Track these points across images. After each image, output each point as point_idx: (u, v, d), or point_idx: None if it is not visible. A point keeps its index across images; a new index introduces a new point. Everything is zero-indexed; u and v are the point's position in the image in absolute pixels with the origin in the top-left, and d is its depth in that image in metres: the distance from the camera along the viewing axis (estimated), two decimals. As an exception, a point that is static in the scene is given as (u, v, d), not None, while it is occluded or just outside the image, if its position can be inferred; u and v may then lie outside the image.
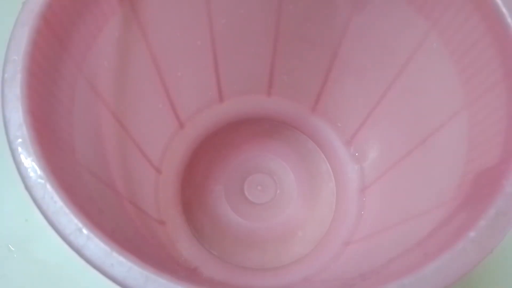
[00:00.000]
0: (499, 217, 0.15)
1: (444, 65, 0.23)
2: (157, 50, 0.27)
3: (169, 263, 0.22)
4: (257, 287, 0.29)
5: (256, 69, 0.32)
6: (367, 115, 0.31)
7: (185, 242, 0.30)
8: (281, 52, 0.31)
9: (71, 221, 0.14)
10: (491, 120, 0.19)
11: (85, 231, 0.14)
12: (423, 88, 0.25)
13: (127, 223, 0.21)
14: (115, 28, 0.23)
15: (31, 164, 0.15)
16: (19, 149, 0.15)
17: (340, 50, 0.29)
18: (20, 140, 0.15)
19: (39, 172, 0.15)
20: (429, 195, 0.22)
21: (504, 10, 0.19)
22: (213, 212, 0.32)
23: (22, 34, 0.17)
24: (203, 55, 0.31)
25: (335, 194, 0.33)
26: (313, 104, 0.34)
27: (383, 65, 0.27)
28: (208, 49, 0.30)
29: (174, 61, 0.29)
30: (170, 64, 0.29)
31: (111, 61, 0.24)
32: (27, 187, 0.15)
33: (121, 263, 0.14)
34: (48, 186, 0.14)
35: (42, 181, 0.15)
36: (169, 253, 0.26)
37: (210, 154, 0.33)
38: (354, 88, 0.31)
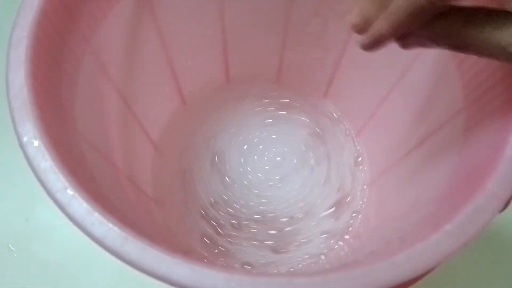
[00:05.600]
0: (477, 212, 0.15)
1: (447, 67, 0.23)
2: (167, 35, 0.28)
3: (158, 237, 0.23)
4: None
5: (264, 61, 0.33)
6: (371, 115, 0.31)
7: (180, 224, 0.31)
8: (289, 46, 0.31)
9: (58, 180, 0.15)
10: (486, 121, 0.19)
11: (70, 191, 0.15)
12: (425, 90, 0.25)
13: (121, 195, 0.22)
14: (126, 7, 0.24)
15: (27, 124, 0.15)
16: (18, 108, 0.16)
17: (348, 47, 0.29)
18: (19, 100, 0.16)
19: (34, 131, 0.15)
20: (421, 193, 0.22)
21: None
22: (213, 195, 0.32)
23: (32, 1, 0.17)
24: (213, 44, 0.31)
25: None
26: (320, 98, 0.34)
27: (389, 65, 0.27)
28: (218, 38, 0.31)
29: (183, 47, 0.30)
30: (179, 50, 0.30)
31: (120, 40, 0.25)
32: (21, 145, 0.15)
33: (101, 223, 0.14)
34: (41, 145, 0.15)
35: (36, 140, 0.15)
36: (160, 231, 0.26)
37: (214, 138, 0.34)
38: (360, 88, 0.31)
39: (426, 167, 0.23)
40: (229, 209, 0.31)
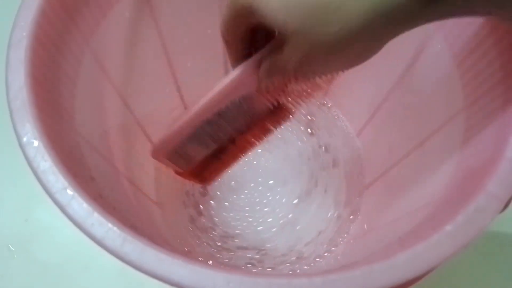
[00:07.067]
0: (477, 213, 0.15)
1: (447, 68, 0.23)
2: (166, 35, 0.28)
3: (158, 239, 0.23)
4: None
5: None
6: (371, 116, 0.31)
7: (181, 227, 0.31)
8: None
9: (58, 180, 0.15)
10: (486, 121, 0.19)
11: (69, 191, 0.15)
12: (426, 90, 0.25)
13: (121, 196, 0.22)
14: (125, 8, 0.24)
15: (26, 124, 0.15)
16: (17, 109, 0.16)
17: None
18: (19, 101, 0.16)
19: (33, 132, 0.15)
20: (421, 195, 0.22)
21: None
22: (217, 200, 0.32)
23: (31, 2, 0.17)
24: (212, 44, 0.31)
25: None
26: (320, 98, 0.34)
27: (389, 66, 0.27)
28: (218, 38, 0.31)
29: (183, 48, 0.30)
30: (179, 51, 0.29)
31: (119, 40, 0.25)
32: (21, 146, 0.15)
33: (101, 223, 0.14)
34: (41, 146, 0.15)
35: (36, 140, 0.15)
36: (161, 232, 0.26)
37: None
38: (360, 88, 0.31)
39: (426, 168, 0.23)
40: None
